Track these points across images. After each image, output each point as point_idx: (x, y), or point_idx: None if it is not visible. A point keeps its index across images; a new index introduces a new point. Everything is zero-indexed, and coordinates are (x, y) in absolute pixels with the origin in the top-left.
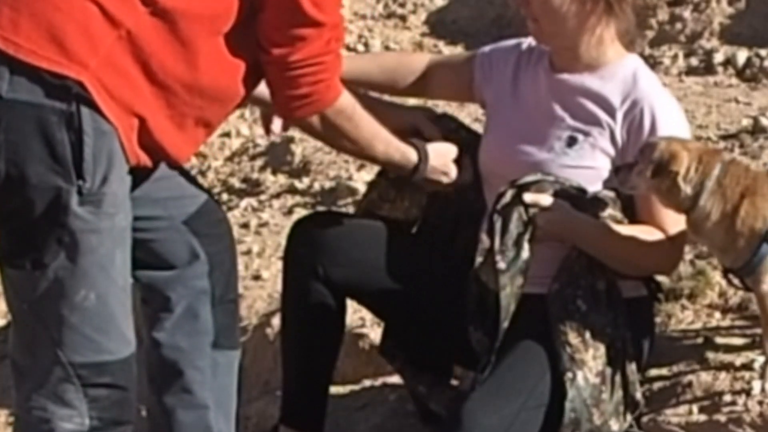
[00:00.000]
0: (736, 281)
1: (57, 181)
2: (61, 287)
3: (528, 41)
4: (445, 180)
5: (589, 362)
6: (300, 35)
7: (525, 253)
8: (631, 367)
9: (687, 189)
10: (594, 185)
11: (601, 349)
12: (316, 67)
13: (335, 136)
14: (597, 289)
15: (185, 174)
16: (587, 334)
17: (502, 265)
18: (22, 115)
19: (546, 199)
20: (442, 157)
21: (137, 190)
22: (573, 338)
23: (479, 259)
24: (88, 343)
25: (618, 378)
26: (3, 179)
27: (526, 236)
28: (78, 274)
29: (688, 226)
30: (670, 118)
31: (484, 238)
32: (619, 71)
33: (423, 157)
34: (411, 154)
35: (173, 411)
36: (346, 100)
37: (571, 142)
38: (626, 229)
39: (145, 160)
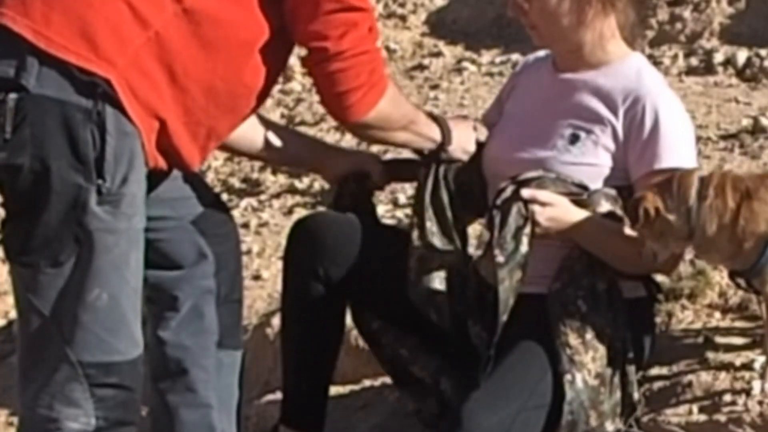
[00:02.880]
0: (742, 283)
1: (77, 178)
2: (74, 286)
3: (533, 58)
4: (465, 157)
5: (589, 364)
6: (345, 21)
7: (524, 247)
8: (630, 369)
9: (673, 218)
10: (596, 182)
11: (601, 350)
12: (366, 56)
13: (391, 128)
14: (597, 290)
15: (193, 175)
16: (587, 336)
17: (500, 258)
18: (48, 111)
19: (544, 195)
20: (463, 125)
21: (152, 199)
22: (573, 339)
23: (478, 252)
24: (99, 343)
25: (617, 379)
26: (26, 173)
27: (525, 230)
28: (92, 274)
29: (696, 251)
30: (673, 116)
31: (484, 232)
32: (622, 69)
33: (446, 129)
34: (435, 129)
35: (176, 410)
36: (393, 84)
37: (574, 139)
38: (627, 227)
39: (162, 163)
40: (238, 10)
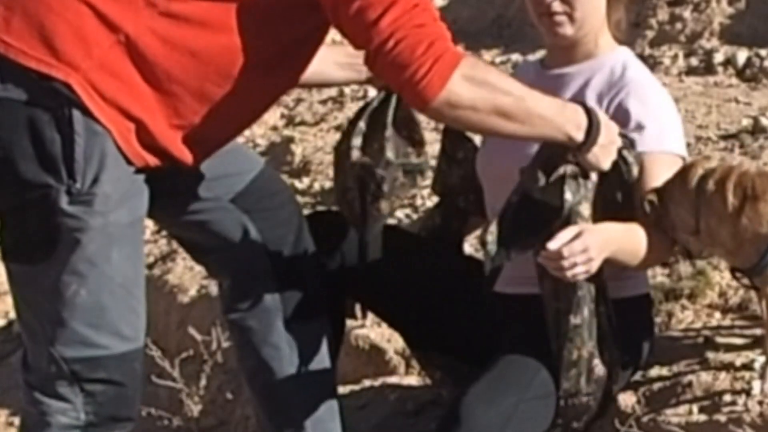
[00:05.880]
0: (743, 279)
1: (47, 179)
2: (51, 283)
3: (525, 62)
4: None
5: (585, 362)
6: (380, 3)
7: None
8: (627, 369)
9: (680, 210)
10: None
11: (598, 349)
12: (419, 29)
13: (488, 108)
14: (596, 285)
15: (236, 151)
16: (585, 334)
17: (542, 182)
18: (14, 113)
19: (570, 234)
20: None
21: (185, 182)
22: (571, 336)
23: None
24: (80, 338)
25: (612, 378)
26: None
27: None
28: (68, 270)
29: (701, 244)
30: (659, 105)
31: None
32: (608, 61)
33: (594, 120)
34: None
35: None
36: (472, 60)
37: None
38: (633, 226)
39: (154, 161)
40: (232, 17)
